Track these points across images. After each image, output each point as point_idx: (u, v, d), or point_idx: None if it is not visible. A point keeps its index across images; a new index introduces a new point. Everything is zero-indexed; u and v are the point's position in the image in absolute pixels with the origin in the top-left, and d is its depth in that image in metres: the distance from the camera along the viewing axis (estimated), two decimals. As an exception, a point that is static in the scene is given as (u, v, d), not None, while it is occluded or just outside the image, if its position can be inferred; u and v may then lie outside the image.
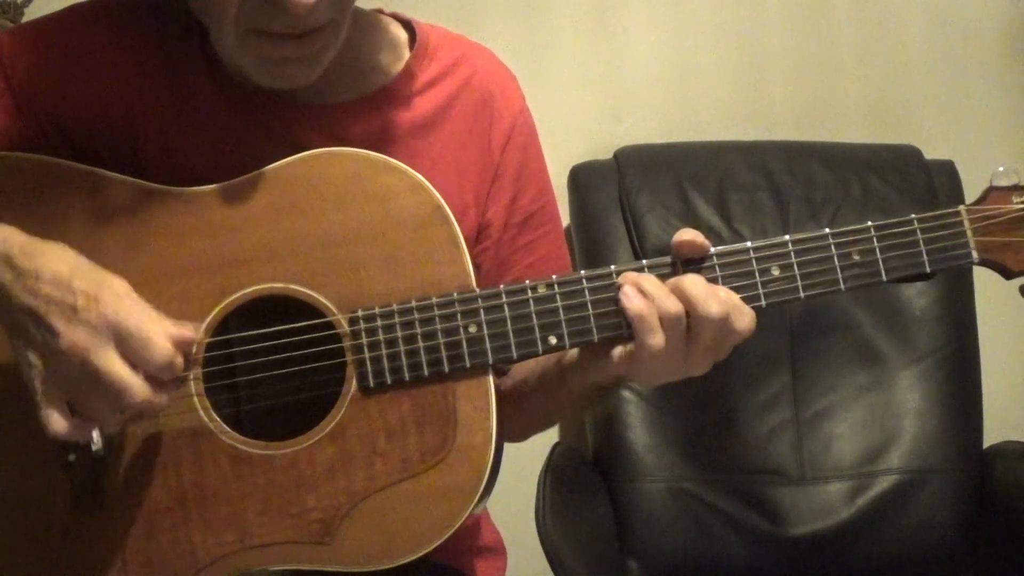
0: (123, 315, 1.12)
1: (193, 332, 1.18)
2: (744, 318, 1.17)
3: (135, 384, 1.11)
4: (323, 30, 1.20)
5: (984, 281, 2.24)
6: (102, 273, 1.15)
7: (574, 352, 1.27)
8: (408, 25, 1.40)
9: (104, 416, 1.14)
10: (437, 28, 1.41)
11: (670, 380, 1.21)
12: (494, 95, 1.39)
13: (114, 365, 1.11)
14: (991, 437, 2.27)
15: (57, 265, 1.13)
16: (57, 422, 1.13)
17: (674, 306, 1.16)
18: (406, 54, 1.37)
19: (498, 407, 1.22)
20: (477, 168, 1.37)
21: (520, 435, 1.42)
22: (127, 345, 1.11)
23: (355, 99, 1.33)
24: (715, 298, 1.16)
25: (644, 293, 1.17)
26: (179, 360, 1.14)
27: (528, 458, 2.13)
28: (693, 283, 1.16)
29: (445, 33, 1.41)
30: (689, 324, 1.16)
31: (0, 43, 1.29)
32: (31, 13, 2.16)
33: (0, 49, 1.29)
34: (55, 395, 1.13)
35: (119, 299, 1.13)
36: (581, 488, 2.18)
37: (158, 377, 1.14)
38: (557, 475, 2.09)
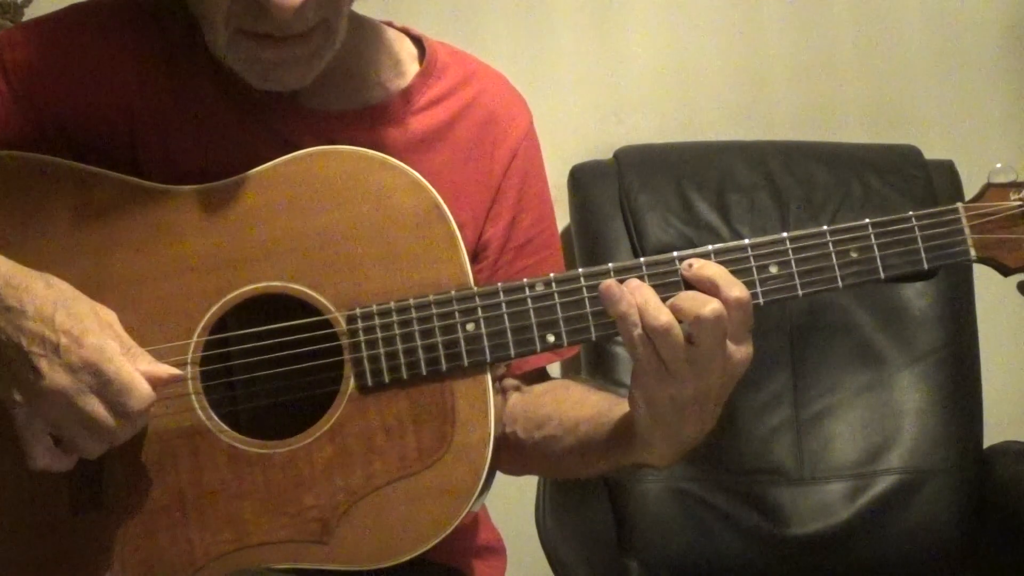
0: (103, 359, 1.13)
1: (169, 371, 1.17)
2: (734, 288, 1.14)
3: (119, 425, 1.14)
4: (312, 33, 1.20)
5: (984, 281, 2.24)
6: (88, 307, 1.16)
7: (620, 431, 1.25)
8: (418, 41, 1.40)
9: (89, 450, 1.16)
10: (447, 46, 1.41)
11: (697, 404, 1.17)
12: (499, 116, 1.39)
13: (98, 408, 1.13)
14: (991, 437, 2.27)
15: (41, 301, 1.14)
16: (40, 456, 1.15)
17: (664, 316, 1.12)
18: (414, 69, 1.37)
19: (497, 405, 1.22)
20: (476, 188, 1.37)
21: (522, 474, 1.42)
22: (106, 391, 1.13)
23: (357, 109, 1.33)
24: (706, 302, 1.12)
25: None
26: (154, 400, 1.15)
27: (528, 458, 2.13)
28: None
29: (455, 51, 1.41)
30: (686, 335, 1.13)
31: (0, 42, 1.29)
32: (31, 13, 2.16)
33: (0, 48, 1.29)
34: (38, 429, 1.15)
35: (101, 340, 1.13)
36: (581, 488, 2.18)
37: (134, 421, 1.16)
38: (557, 475, 2.09)
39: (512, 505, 1.76)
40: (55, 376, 1.12)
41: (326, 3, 1.18)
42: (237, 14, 1.17)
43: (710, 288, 1.13)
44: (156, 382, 1.15)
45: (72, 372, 1.12)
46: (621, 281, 1.15)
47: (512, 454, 1.35)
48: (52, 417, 1.14)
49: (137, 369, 1.14)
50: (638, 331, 1.12)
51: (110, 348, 1.13)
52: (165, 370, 1.17)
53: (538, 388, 1.38)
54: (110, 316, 1.17)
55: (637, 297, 1.13)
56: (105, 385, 1.12)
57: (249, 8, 1.16)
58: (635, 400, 1.17)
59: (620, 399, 1.27)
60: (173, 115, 1.29)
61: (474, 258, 1.37)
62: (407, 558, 1.20)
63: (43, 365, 1.12)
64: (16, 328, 1.13)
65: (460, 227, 1.30)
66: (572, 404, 1.33)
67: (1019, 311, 2.42)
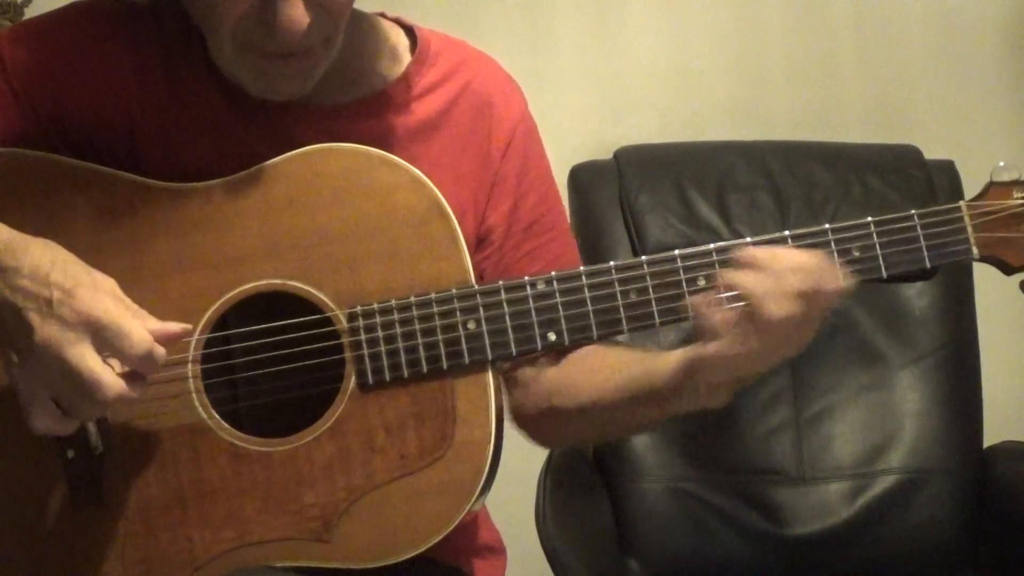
0: (97, 309, 1.11)
1: (179, 327, 1.16)
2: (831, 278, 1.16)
3: (107, 379, 1.11)
4: (314, 48, 1.22)
5: (984, 281, 2.23)
6: (84, 269, 1.15)
7: (674, 382, 1.26)
8: (410, 30, 1.40)
9: (84, 411, 1.14)
10: (438, 34, 1.41)
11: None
12: (494, 101, 1.39)
13: (86, 360, 1.11)
14: (991, 437, 2.27)
15: (38, 260, 1.13)
16: (39, 418, 1.14)
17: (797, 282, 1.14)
18: (407, 59, 1.37)
19: (498, 403, 1.22)
20: (475, 174, 1.37)
21: (569, 443, 1.42)
22: (102, 338, 1.11)
23: (354, 101, 1.33)
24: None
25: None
26: (159, 351, 1.13)
27: (528, 458, 2.12)
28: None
29: (446, 39, 1.41)
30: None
31: (0, 41, 1.29)
32: (31, 13, 2.16)
33: (0, 47, 1.29)
34: (37, 391, 1.14)
35: (95, 294, 1.12)
36: (581, 488, 2.18)
37: (139, 370, 1.14)
38: (557, 475, 2.09)
39: (512, 505, 1.76)
40: (46, 329, 1.10)
41: (328, 22, 1.20)
42: (244, 31, 1.18)
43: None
44: (168, 337, 1.15)
45: (64, 324, 1.10)
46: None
47: (557, 425, 1.37)
48: (47, 376, 1.12)
49: (145, 326, 1.13)
50: (741, 321, 1.15)
51: (102, 299, 1.12)
52: (176, 326, 1.16)
53: (573, 356, 1.36)
54: (109, 282, 1.15)
55: (747, 284, 1.15)
56: (98, 332, 1.11)
57: (257, 28, 1.18)
58: (718, 369, 1.20)
59: (660, 353, 1.28)
60: (172, 114, 1.29)
61: (479, 244, 1.37)
62: (407, 556, 1.21)
63: (35, 320, 1.11)
64: (11, 287, 1.12)
65: (462, 214, 1.30)
66: (612, 367, 1.32)
67: (1019, 311, 2.42)
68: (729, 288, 1.15)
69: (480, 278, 1.34)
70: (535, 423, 1.38)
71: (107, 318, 1.11)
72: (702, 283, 1.21)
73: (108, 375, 1.11)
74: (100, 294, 1.12)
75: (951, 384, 2.25)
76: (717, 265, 1.20)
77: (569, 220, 2.27)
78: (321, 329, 1.22)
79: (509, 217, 1.38)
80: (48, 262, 1.13)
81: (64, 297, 1.11)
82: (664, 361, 1.26)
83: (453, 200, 1.27)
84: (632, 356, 1.33)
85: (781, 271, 1.14)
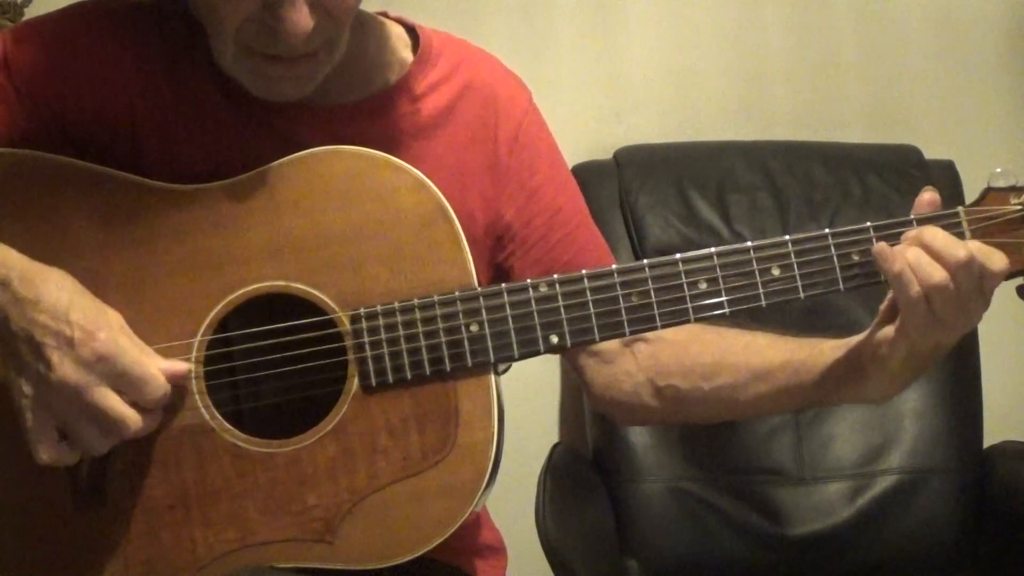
0: (119, 351, 1.15)
1: (184, 366, 1.20)
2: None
3: (131, 417, 1.16)
4: (317, 52, 1.22)
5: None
6: (99, 306, 1.17)
7: (836, 374, 1.27)
8: (411, 30, 1.40)
9: (96, 444, 1.17)
10: (441, 33, 1.41)
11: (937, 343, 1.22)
12: (498, 98, 1.39)
13: (110, 400, 1.15)
14: (991, 437, 2.27)
15: (56, 294, 1.15)
16: (46, 450, 1.16)
17: (938, 273, 1.16)
18: (409, 58, 1.37)
19: (500, 405, 1.22)
20: (483, 171, 1.37)
21: (676, 422, 1.43)
22: (122, 381, 1.15)
23: (357, 101, 1.33)
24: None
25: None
26: (169, 390, 1.18)
27: (528, 458, 2.13)
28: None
29: (448, 37, 1.41)
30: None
31: (3, 41, 1.30)
32: (31, 13, 2.16)
33: (3, 47, 1.29)
34: (45, 423, 1.16)
35: (114, 335, 1.16)
36: (581, 488, 2.18)
37: (152, 408, 1.18)
38: (557, 475, 2.09)
39: (512, 505, 1.76)
40: (66, 369, 1.13)
41: (331, 25, 1.20)
42: (247, 34, 1.19)
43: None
44: (173, 378, 1.19)
45: (85, 366, 1.14)
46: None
47: (670, 406, 1.37)
48: (60, 410, 1.15)
49: (157, 366, 1.18)
50: (915, 288, 1.15)
51: (123, 342, 1.16)
52: (182, 366, 1.20)
53: (677, 338, 1.37)
54: (119, 318, 1.18)
55: (909, 256, 1.16)
56: (120, 377, 1.15)
57: (260, 31, 1.18)
58: (897, 348, 1.21)
59: (815, 342, 1.31)
60: (175, 115, 1.29)
61: (498, 241, 1.37)
62: (410, 558, 1.21)
63: (55, 357, 1.13)
64: (29, 320, 1.14)
65: (470, 212, 1.31)
66: (752, 351, 1.34)
67: (1019, 312, 2.42)
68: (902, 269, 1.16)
69: (507, 273, 1.36)
70: (634, 401, 1.39)
71: (127, 362, 1.15)
72: (703, 287, 1.21)
73: (130, 412, 1.16)
74: (119, 336, 1.16)
75: (951, 384, 2.25)
76: (718, 269, 1.20)
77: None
78: (324, 331, 1.22)
79: (527, 210, 1.38)
80: (66, 298, 1.16)
81: (85, 338, 1.14)
82: (829, 348, 1.28)
83: (459, 198, 1.27)
84: (773, 344, 1.34)
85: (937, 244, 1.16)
